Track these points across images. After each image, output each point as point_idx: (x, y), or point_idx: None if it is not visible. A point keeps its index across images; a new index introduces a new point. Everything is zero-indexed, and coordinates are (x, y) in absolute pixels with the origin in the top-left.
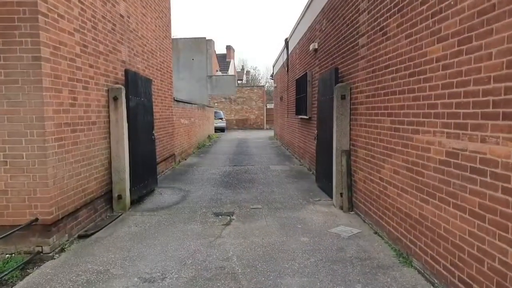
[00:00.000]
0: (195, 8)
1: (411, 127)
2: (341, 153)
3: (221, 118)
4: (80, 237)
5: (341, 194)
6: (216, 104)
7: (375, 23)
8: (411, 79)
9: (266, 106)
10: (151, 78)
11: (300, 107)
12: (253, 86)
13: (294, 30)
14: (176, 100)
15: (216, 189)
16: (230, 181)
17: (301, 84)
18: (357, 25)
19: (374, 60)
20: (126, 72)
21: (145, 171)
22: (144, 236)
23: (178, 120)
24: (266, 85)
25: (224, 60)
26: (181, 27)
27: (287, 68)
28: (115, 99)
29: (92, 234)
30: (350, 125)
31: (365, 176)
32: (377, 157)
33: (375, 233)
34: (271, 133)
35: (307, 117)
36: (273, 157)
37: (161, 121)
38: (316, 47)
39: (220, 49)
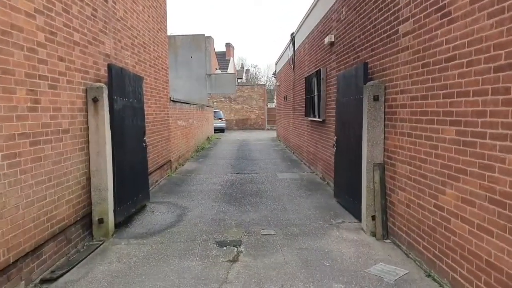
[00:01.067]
0: (193, 5)
1: (502, 142)
2: (373, 167)
3: (220, 118)
4: (44, 281)
5: (373, 217)
6: (215, 103)
7: (428, 3)
8: (500, 74)
9: (267, 105)
10: (142, 75)
11: (310, 108)
12: (253, 85)
13: (302, 24)
14: (173, 100)
15: (218, 205)
16: (234, 194)
17: (311, 82)
18: (396, 8)
19: (425, 51)
20: (110, 67)
21: (135, 185)
22: (127, 279)
23: (175, 122)
24: (267, 84)
25: (223, 58)
26: (179, 24)
27: (293, 65)
28: (95, 100)
29: (60, 276)
30: (384, 133)
31: (410, 198)
32: (430, 177)
33: (428, 275)
34: (273, 134)
35: (320, 120)
36: (279, 162)
37: (155, 124)
38: (333, 40)
39: (219, 47)
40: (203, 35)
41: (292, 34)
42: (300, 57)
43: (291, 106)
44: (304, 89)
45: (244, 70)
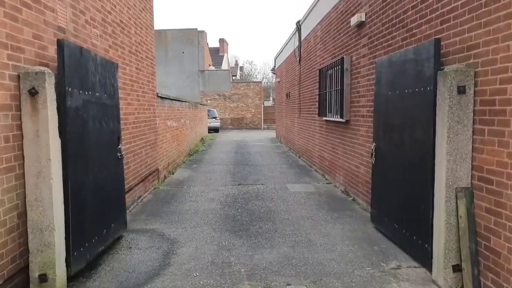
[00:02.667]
0: None
1: None
2: (455, 194)
3: (214, 117)
4: None
5: (455, 268)
6: (209, 101)
7: None
8: None
9: (263, 103)
10: (117, 62)
11: (326, 105)
12: (249, 82)
13: (313, 8)
14: (161, 97)
15: (219, 236)
16: (238, 217)
17: (326, 75)
18: None
19: None
20: (61, 44)
21: (104, 213)
22: None
23: (164, 122)
24: (264, 81)
25: (217, 54)
26: (170, 18)
27: (299, 58)
28: (33, 93)
29: None
30: (473, 142)
31: None
32: None
33: None
34: (271, 134)
35: (343, 120)
36: (285, 169)
37: (138, 126)
38: (363, 19)
39: (212, 42)
40: (196, 29)
41: (298, 22)
42: (309, 47)
43: (296, 104)
44: (316, 84)
45: (238, 67)
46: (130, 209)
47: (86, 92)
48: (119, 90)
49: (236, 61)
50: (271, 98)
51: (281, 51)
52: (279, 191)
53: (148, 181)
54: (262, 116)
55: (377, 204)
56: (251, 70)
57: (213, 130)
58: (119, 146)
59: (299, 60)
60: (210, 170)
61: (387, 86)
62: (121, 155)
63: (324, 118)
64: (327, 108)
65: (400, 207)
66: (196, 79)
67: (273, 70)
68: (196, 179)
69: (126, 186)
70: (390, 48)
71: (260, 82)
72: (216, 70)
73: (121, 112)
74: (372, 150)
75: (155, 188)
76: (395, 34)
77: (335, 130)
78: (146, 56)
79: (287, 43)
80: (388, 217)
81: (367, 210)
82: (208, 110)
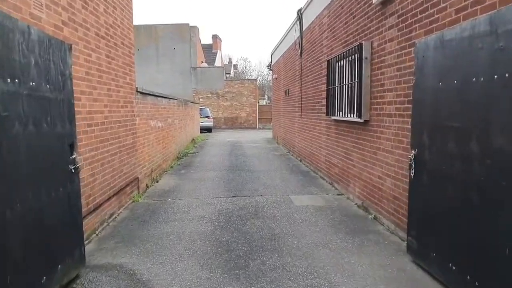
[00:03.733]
0: None
1: None
2: None
3: (207, 116)
4: None
5: None
6: (201, 100)
7: None
8: None
9: (258, 102)
10: (71, 43)
11: (335, 103)
12: (243, 80)
13: None
14: (142, 93)
15: (209, 278)
16: (234, 245)
17: (336, 67)
18: None
19: None
20: None
21: (43, 252)
22: None
23: (146, 122)
24: (259, 79)
25: (210, 51)
26: (160, 13)
27: (301, 50)
28: None
29: None
30: None
31: None
32: None
33: None
34: (267, 134)
35: (361, 120)
36: (286, 175)
37: (109, 127)
38: None
39: (205, 39)
40: (188, 24)
41: (299, 10)
42: (313, 38)
43: (296, 102)
44: (322, 78)
45: (232, 65)
46: (98, 232)
47: (9, 80)
48: (79, 82)
49: (230, 59)
50: (266, 97)
51: (278, 45)
52: (283, 206)
53: (125, 193)
54: (257, 115)
55: (419, 232)
56: (245, 67)
57: (206, 130)
58: (73, 156)
59: (300, 53)
60: (200, 177)
61: (437, 75)
62: (76, 168)
63: (333, 118)
64: (338, 105)
65: (462, 245)
66: (188, 77)
67: (269, 66)
68: (183, 189)
69: (92, 204)
70: (435, 25)
71: (255, 79)
72: (209, 67)
73: (83, 110)
74: (411, 160)
75: (133, 202)
76: (444, 5)
77: (349, 132)
78: (122, 43)
79: (285, 36)
80: (439, 253)
81: (396, 234)
82: (200, 109)
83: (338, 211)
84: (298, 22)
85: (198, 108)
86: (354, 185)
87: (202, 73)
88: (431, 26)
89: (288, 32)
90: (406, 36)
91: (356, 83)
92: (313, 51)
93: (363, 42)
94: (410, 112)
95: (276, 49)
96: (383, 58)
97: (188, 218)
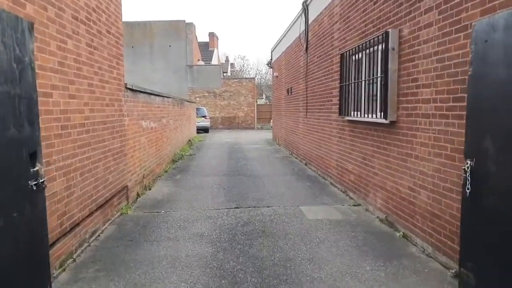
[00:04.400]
0: None
1: None
2: None
3: (204, 116)
4: None
5: None
6: (197, 99)
7: None
8: None
9: (256, 101)
10: (32, 21)
11: (350, 101)
12: (241, 78)
13: None
14: (132, 89)
15: None
16: (241, 275)
17: (351, 61)
18: None
19: None
20: None
21: None
22: None
23: (136, 123)
24: (257, 78)
25: (206, 49)
26: (156, 10)
27: (306, 45)
28: None
29: None
30: None
31: None
32: None
33: None
34: (266, 134)
35: (386, 122)
36: (293, 181)
37: (91, 129)
38: None
39: (201, 37)
40: (183, 21)
41: (305, 2)
42: (322, 31)
43: (300, 100)
44: (332, 74)
45: (229, 64)
46: (75, 256)
47: None
48: (50, 74)
49: (227, 57)
50: (264, 96)
51: (280, 42)
52: (294, 220)
53: (111, 205)
54: (256, 115)
55: (481, 266)
56: (243, 65)
57: (203, 130)
58: (35, 168)
59: (306, 48)
60: (197, 184)
61: (507, 65)
62: (39, 183)
63: (348, 118)
64: (353, 104)
65: None
66: (184, 75)
67: (269, 64)
68: (179, 198)
69: (68, 223)
70: (497, 1)
71: (253, 78)
72: (206, 65)
73: (55, 109)
74: (466, 172)
75: (121, 214)
76: None
77: (368, 135)
78: (108, 31)
79: (287, 31)
80: None
81: (435, 259)
82: (197, 108)
83: (359, 227)
84: (303, 15)
85: (194, 108)
86: (374, 196)
87: (198, 72)
88: (492, 4)
89: (291, 27)
90: (452, 19)
91: (378, 78)
92: (321, 45)
93: (390, 30)
94: (458, 112)
95: (276, 45)
96: (416, 48)
97: (184, 237)
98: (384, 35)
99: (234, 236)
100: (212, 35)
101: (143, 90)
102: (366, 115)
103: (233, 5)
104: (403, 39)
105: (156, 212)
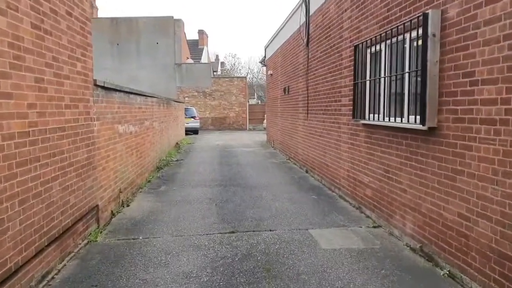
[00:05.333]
0: None
1: None
2: None
3: (193, 117)
4: None
5: None
6: (186, 99)
7: None
8: None
9: (248, 101)
10: None
11: (366, 101)
12: (232, 77)
13: None
14: (104, 87)
15: None
16: None
17: (368, 54)
18: None
19: None
20: None
21: None
22: None
23: (111, 127)
24: (249, 77)
25: (196, 47)
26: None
27: (307, 39)
28: None
29: None
30: None
31: None
32: None
33: None
34: (259, 136)
35: (422, 128)
36: (295, 193)
37: (41, 140)
38: None
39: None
40: (172, 17)
41: None
42: (328, 20)
43: (300, 101)
44: (343, 70)
45: (219, 63)
46: None
47: None
48: None
49: (217, 56)
50: (255, 96)
51: (275, 37)
52: (305, 250)
53: (74, 233)
54: (248, 115)
55: None
56: (234, 64)
57: (192, 131)
58: None
59: (307, 42)
60: (184, 197)
61: None
62: None
63: (363, 122)
64: (370, 105)
65: None
66: (172, 74)
67: (262, 61)
68: (161, 218)
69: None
70: None
71: (245, 77)
72: (195, 63)
73: None
74: None
75: (89, 243)
76: None
77: (393, 142)
78: (68, 13)
79: (283, 26)
80: None
81: None
82: (186, 109)
83: (388, 260)
84: (303, 5)
85: (183, 108)
86: (402, 218)
87: (187, 70)
88: None
89: (288, 21)
90: None
91: (412, 73)
92: (326, 37)
93: (429, 11)
94: None
95: (271, 41)
96: (471, 32)
97: (166, 280)
98: (420, 18)
99: (231, 278)
100: (201, 32)
101: (119, 89)
102: (390, 119)
103: (224, 2)
104: (448, 22)
105: (133, 239)
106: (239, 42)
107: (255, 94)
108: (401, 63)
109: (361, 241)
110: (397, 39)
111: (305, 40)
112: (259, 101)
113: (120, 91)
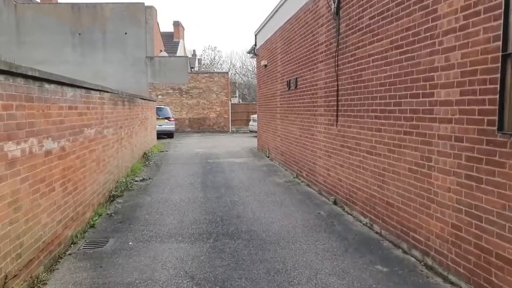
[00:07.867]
0: None
1: None
2: None
3: (167, 118)
4: None
5: None
6: (160, 96)
7: None
8: None
9: (230, 100)
10: None
11: None
12: (213, 73)
13: None
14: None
15: None
16: None
17: None
18: None
19: None
20: None
21: None
22: None
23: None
24: (231, 72)
25: (170, 40)
26: None
27: (337, 3)
28: None
29: None
30: None
31: None
32: None
33: None
34: (246, 141)
35: None
36: (338, 256)
37: None
38: None
39: (165, 27)
40: (143, 3)
41: None
42: None
43: (318, 97)
44: (445, 39)
45: (197, 59)
46: None
47: None
48: None
49: (194, 51)
50: (237, 94)
51: (270, 18)
52: None
53: None
54: (230, 116)
55: None
56: (214, 58)
57: (166, 135)
58: None
59: (337, 9)
60: (146, 274)
61: None
62: None
63: None
64: None
65: None
66: (143, 68)
67: (252, 51)
68: None
69: None
70: None
71: (227, 73)
72: (170, 56)
73: None
74: None
75: None
76: None
77: None
78: None
79: (284, 1)
80: None
81: None
82: (158, 108)
83: None
84: None
85: (154, 108)
86: None
87: (161, 64)
88: None
89: None
90: None
91: None
92: None
93: None
94: None
95: (264, 25)
96: None
97: None
98: None
99: None
100: (177, 24)
101: (30, 74)
102: None
103: None
104: None
105: None
106: (220, 35)
107: (237, 92)
108: None
109: None
110: None
111: (333, 7)
112: (240, 100)
113: (34, 78)
